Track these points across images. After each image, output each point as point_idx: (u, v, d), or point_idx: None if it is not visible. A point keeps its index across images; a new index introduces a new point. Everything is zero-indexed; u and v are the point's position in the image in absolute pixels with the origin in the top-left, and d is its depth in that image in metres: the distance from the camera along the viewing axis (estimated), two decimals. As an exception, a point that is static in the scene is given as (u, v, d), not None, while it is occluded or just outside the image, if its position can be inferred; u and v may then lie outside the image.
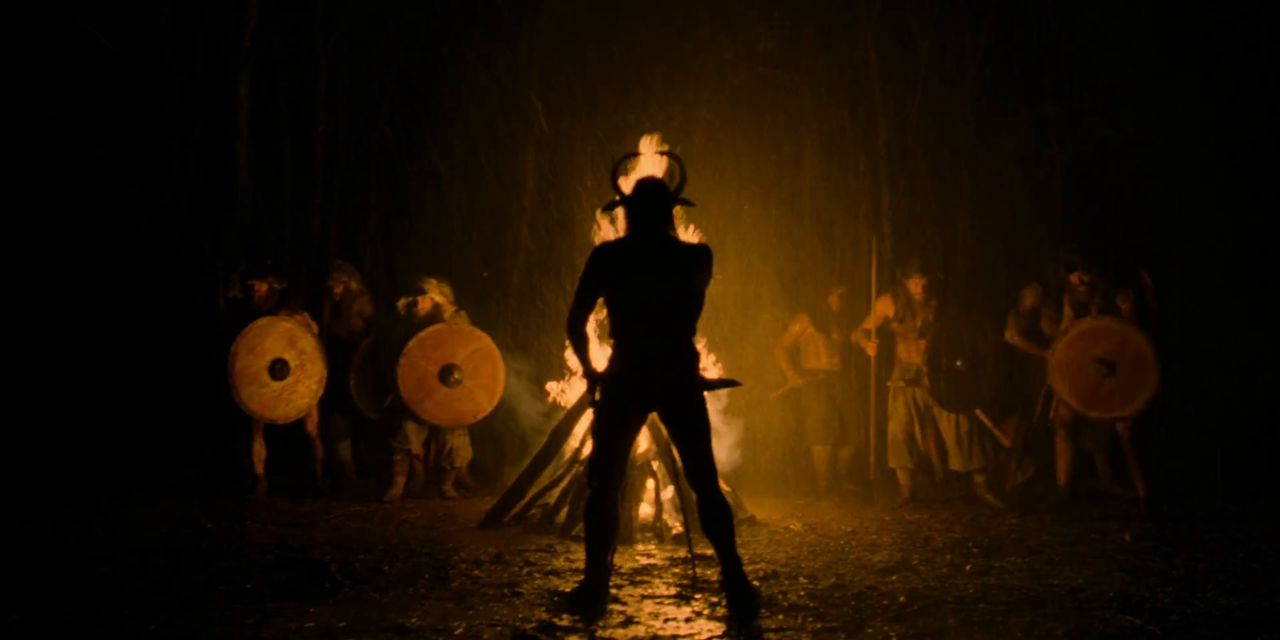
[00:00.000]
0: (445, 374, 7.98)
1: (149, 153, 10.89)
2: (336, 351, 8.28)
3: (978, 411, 8.00)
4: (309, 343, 7.99)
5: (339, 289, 8.54)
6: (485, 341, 8.16)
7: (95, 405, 9.36)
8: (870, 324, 8.40)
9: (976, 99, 11.09)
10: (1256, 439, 8.61)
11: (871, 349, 8.39)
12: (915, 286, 8.20)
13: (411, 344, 7.93)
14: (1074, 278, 7.65)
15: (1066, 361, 7.56)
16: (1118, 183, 10.49)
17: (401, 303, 8.26)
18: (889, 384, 8.34)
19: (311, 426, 8.15)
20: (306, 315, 8.15)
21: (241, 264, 8.56)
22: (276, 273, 8.29)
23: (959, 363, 7.91)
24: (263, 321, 7.83)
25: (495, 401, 8.19)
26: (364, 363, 8.40)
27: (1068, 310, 7.73)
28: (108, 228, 10.71)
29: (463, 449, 8.30)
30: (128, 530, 6.37)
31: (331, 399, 8.25)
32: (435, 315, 8.11)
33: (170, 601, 4.46)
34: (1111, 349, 7.45)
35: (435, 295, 8.15)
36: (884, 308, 8.32)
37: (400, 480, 8.09)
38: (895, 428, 8.22)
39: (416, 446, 8.24)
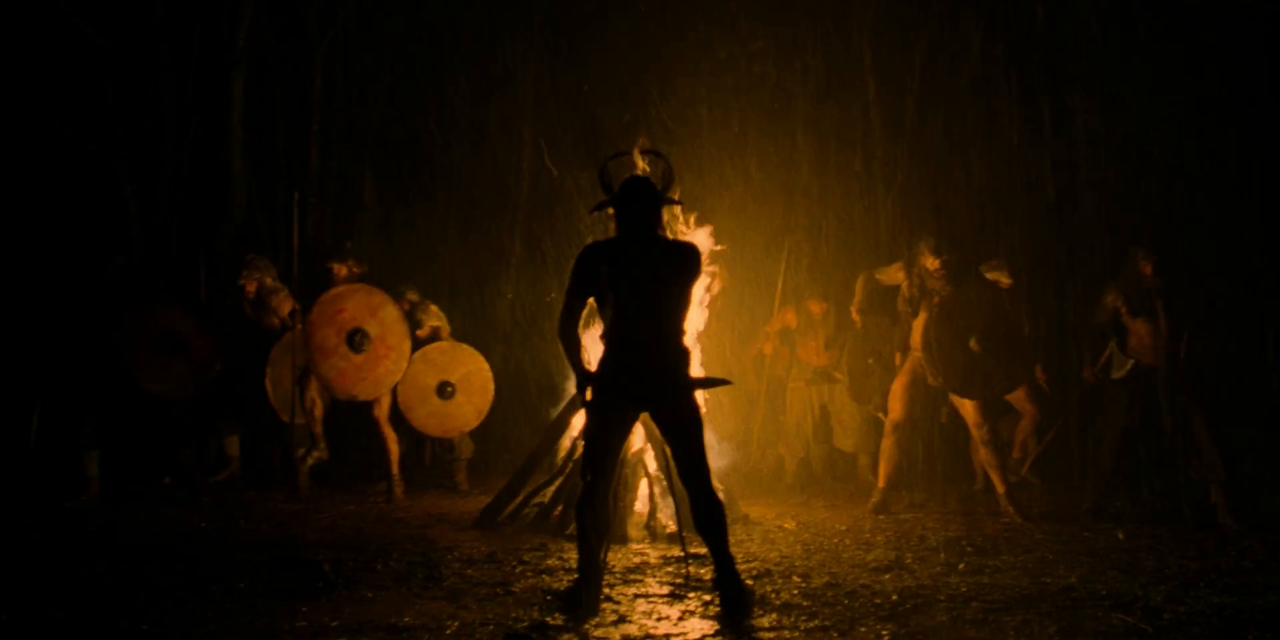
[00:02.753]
0: (440, 387, 8.36)
1: (143, 151, 10.88)
2: (253, 350, 8.00)
3: (875, 412, 8.63)
4: (391, 313, 7.78)
5: (252, 287, 8.15)
6: (480, 365, 8.58)
7: (87, 404, 9.30)
8: (773, 328, 9.15)
9: (971, 96, 11.10)
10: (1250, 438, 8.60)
11: (769, 348, 9.15)
12: (814, 308, 9.04)
13: (417, 357, 8.22)
14: (933, 262, 7.34)
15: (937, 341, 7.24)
16: (1113, 180, 10.51)
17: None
18: (790, 384, 9.15)
19: (381, 412, 7.92)
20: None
21: (250, 254, 8.38)
22: (356, 255, 8.11)
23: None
24: (340, 289, 7.69)
25: (481, 418, 8.61)
26: (283, 357, 7.94)
27: (904, 306, 7.49)
28: (102, 227, 10.70)
29: (463, 443, 8.73)
30: (121, 529, 6.36)
31: (242, 398, 8.07)
32: (435, 337, 8.55)
33: (163, 600, 4.45)
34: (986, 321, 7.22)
35: (434, 321, 8.54)
36: (788, 318, 9.09)
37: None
38: (792, 420, 9.08)
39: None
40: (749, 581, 4.78)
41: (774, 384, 9.28)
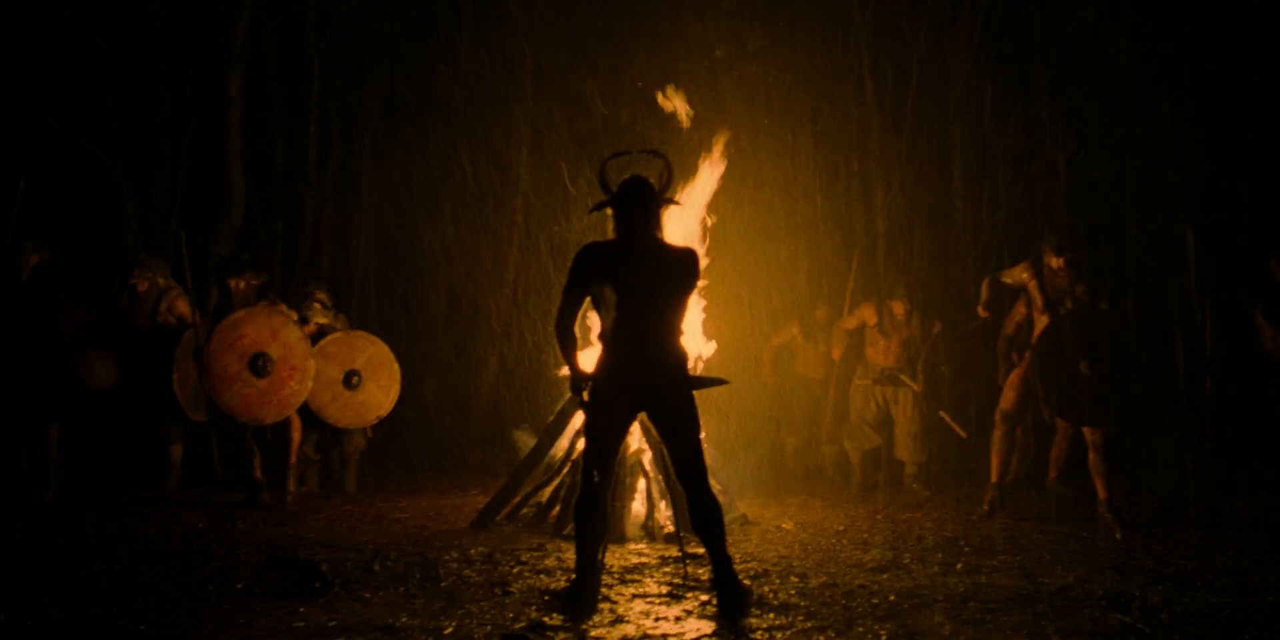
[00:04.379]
0: (347, 378, 8.11)
1: (141, 151, 10.88)
2: (146, 349, 7.79)
3: (941, 411, 8.84)
4: (293, 335, 7.65)
5: (144, 285, 7.95)
6: (379, 347, 8.35)
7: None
8: (850, 324, 9.08)
9: (969, 97, 11.11)
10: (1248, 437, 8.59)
11: (838, 353, 9.18)
12: (898, 308, 8.90)
13: (316, 351, 7.93)
14: (1057, 261, 7.21)
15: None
16: (1110, 180, 10.53)
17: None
18: (856, 381, 9.08)
19: (294, 430, 7.88)
20: (285, 307, 7.88)
21: (141, 254, 8.22)
22: (254, 267, 7.96)
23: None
24: (239, 314, 7.53)
25: (394, 401, 8.39)
26: (186, 357, 7.70)
27: (1037, 298, 7.29)
28: (99, 227, 10.70)
29: (356, 436, 8.48)
30: (118, 529, 6.35)
31: (153, 400, 7.84)
32: (323, 333, 8.23)
33: (160, 601, 4.45)
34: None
35: (319, 318, 8.30)
36: (866, 314, 8.94)
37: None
38: (855, 416, 9.06)
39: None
40: (747, 581, 4.78)
41: (840, 383, 9.26)
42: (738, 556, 5.42)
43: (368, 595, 4.64)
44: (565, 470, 6.75)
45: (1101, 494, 6.95)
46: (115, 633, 3.97)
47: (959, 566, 5.38)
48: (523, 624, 4.16)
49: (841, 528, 6.81)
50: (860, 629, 4.09)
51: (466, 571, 5.22)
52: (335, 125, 12.34)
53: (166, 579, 4.89)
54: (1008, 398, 7.31)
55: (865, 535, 6.50)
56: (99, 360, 7.56)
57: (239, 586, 4.73)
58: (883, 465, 9.13)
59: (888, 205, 11.08)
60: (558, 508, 6.61)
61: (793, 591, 4.78)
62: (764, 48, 11.26)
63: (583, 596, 4.41)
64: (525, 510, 6.86)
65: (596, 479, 4.49)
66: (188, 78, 11.12)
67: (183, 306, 7.90)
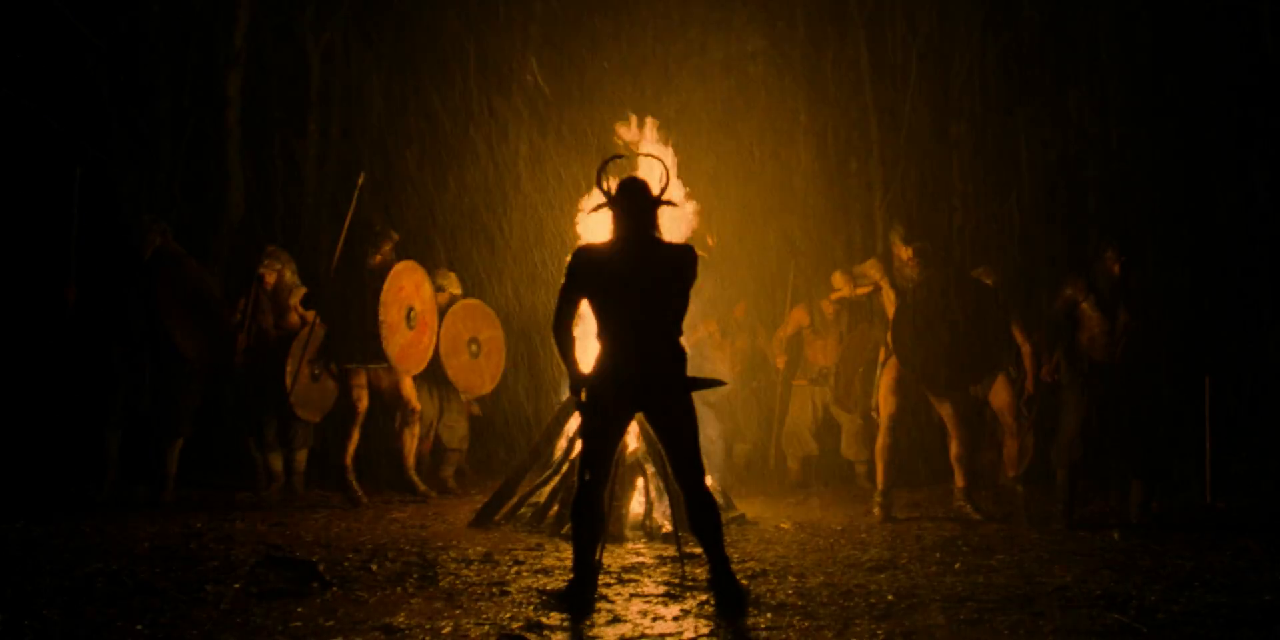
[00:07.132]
0: (469, 344, 8.52)
1: (139, 151, 10.87)
2: (268, 349, 7.73)
3: (873, 413, 8.51)
4: (428, 290, 7.98)
5: (272, 277, 7.82)
6: (500, 332, 8.83)
7: (85, 405, 9.26)
8: (786, 332, 9.18)
9: (968, 99, 11.12)
10: (1245, 436, 8.61)
11: (781, 361, 9.21)
12: (827, 307, 9.02)
13: (456, 307, 8.46)
14: (906, 251, 7.27)
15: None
16: (1107, 182, 10.53)
17: None
18: (794, 383, 9.17)
19: (410, 394, 7.83)
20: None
21: (270, 245, 8.16)
22: (387, 235, 8.02)
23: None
24: (401, 266, 7.73)
25: (493, 386, 8.80)
26: (303, 352, 7.67)
27: (889, 293, 7.47)
28: (98, 227, 10.68)
29: (458, 427, 8.75)
30: (116, 529, 6.35)
31: (265, 401, 7.78)
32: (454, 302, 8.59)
33: (157, 601, 4.45)
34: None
35: (454, 288, 8.65)
36: (799, 317, 9.10)
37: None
38: (793, 419, 9.16)
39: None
40: (744, 581, 4.79)
41: (785, 385, 9.30)
42: (735, 556, 5.43)
43: (365, 595, 4.64)
44: (564, 470, 6.75)
45: (959, 483, 7.20)
46: (113, 632, 3.97)
47: (957, 566, 5.38)
48: (520, 624, 4.16)
49: (839, 528, 6.82)
50: (858, 629, 4.09)
51: (464, 571, 5.23)
52: (334, 125, 12.34)
53: (164, 579, 4.88)
54: (886, 405, 7.31)
55: (863, 535, 6.51)
56: (194, 331, 7.43)
57: (236, 586, 4.73)
58: (815, 467, 9.20)
59: (885, 205, 11.08)
60: (556, 507, 6.61)
61: (790, 591, 4.79)
62: (763, 48, 11.27)
63: (580, 596, 4.42)
64: (523, 510, 6.86)
65: (594, 479, 4.49)
66: (186, 77, 11.10)
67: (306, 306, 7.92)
